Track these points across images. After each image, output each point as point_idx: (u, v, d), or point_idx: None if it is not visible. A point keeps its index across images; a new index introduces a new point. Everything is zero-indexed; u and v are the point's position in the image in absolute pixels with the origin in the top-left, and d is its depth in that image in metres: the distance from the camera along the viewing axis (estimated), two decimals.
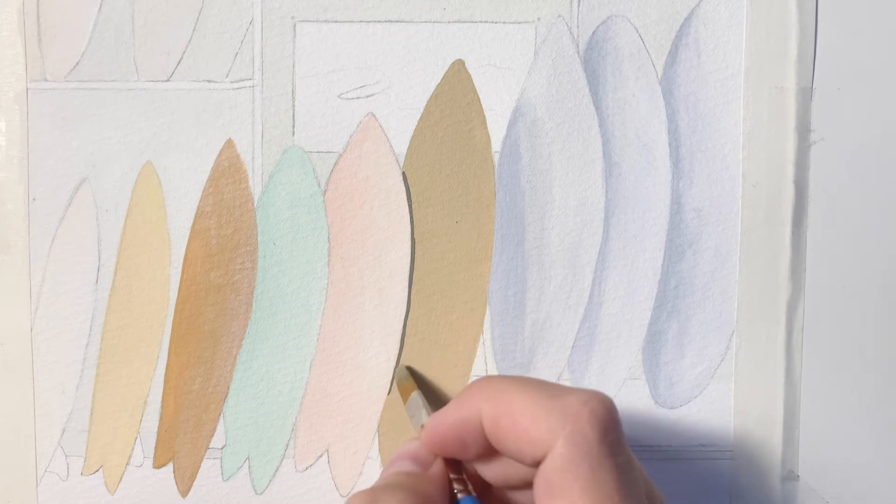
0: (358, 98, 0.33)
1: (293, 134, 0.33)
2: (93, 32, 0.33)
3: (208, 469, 0.33)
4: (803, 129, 0.33)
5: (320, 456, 0.33)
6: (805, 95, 0.33)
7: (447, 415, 0.27)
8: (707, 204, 0.33)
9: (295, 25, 0.33)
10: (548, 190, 0.33)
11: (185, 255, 0.33)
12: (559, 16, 0.33)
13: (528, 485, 0.26)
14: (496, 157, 0.33)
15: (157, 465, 0.33)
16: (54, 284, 0.33)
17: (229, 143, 0.33)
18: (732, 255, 0.33)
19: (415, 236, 0.33)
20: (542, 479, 0.24)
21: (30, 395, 0.33)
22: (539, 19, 0.33)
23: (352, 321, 0.33)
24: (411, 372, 0.33)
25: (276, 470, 0.33)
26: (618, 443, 0.24)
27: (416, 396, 0.31)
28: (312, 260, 0.33)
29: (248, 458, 0.33)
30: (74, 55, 0.33)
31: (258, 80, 0.33)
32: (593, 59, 0.33)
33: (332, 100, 0.33)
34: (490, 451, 0.27)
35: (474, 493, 0.27)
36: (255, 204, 0.33)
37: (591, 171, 0.33)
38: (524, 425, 0.25)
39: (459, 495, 0.27)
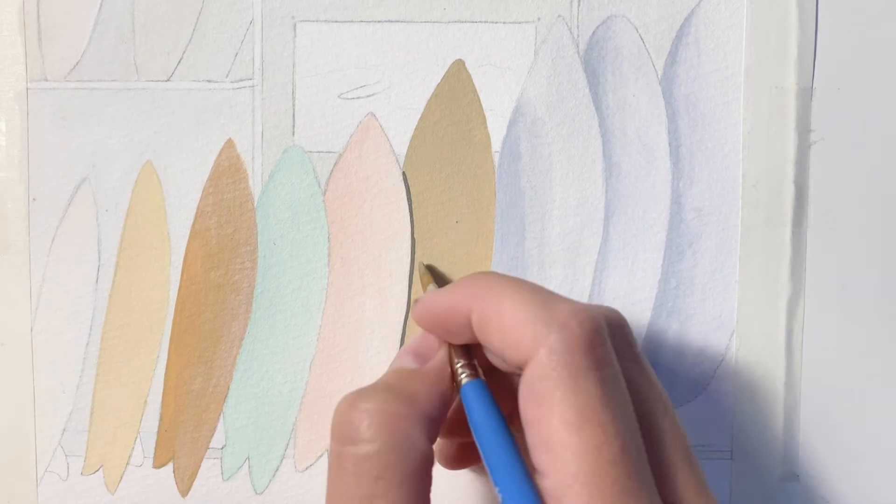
0: (358, 98, 0.33)
1: (293, 134, 0.33)
2: (93, 32, 0.33)
3: (208, 469, 0.33)
4: (803, 129, 0.33)
5: (320, 456, 0.33)
6: (805, 95, 0.33)
7: (439, 299, 0.27)
8: (707, 204, 0.33)
9: (295, 25, 0.33)
10: (548, 190, 0.33)
11: (185, 254, 0.33)
12: (559, 16, 0.33)
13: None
14: (496, 157, 0.33)
15: (157, 464, 0.33)
16: (54, 284, 0.33)
17: (229, 143, 0.33)
18: (732, 255, 0.33)
19: (415, 236, 0.33)
20: (524, 384, 0.24)
21: (30, 395, 0.33)
22: (539, 19, 0.33)
23: (352, 321, 0.33)
24: (430, 269, 0.33)
25: (276, 470, 0.33)
26: (605, 357, 0.24)
27: (431, 289, 0.31)
28: (312, 260, 0.33)
29: (248, 458, 0.33)
30: (74, 55, 0.33)
31: (258, 80, 0.33)
32: (593, 59, 0.33)
33: (332, 100, 0.33)
34: (476, 340, 0.26)
35: (482, 376, 0.26)
36: (255, 204, 0.33)
37: (591, 171, 0.33)
38: (509, 329, 0.24)
39: (465, 379, 0.26)
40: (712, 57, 0.33)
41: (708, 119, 0.33)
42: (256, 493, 0.33)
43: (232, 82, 0.33)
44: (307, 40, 0.33)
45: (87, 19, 0.33)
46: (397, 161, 0.33)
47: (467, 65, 0.33)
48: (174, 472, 0.33)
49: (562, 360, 0.23)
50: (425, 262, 0.33)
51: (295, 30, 0.33)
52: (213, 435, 0.33)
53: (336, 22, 0.33)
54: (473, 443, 0.25)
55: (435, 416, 0.25)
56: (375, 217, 0.33)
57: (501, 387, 0.26)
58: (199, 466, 0.33)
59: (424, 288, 0.32)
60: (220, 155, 0.33)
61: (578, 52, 0.33)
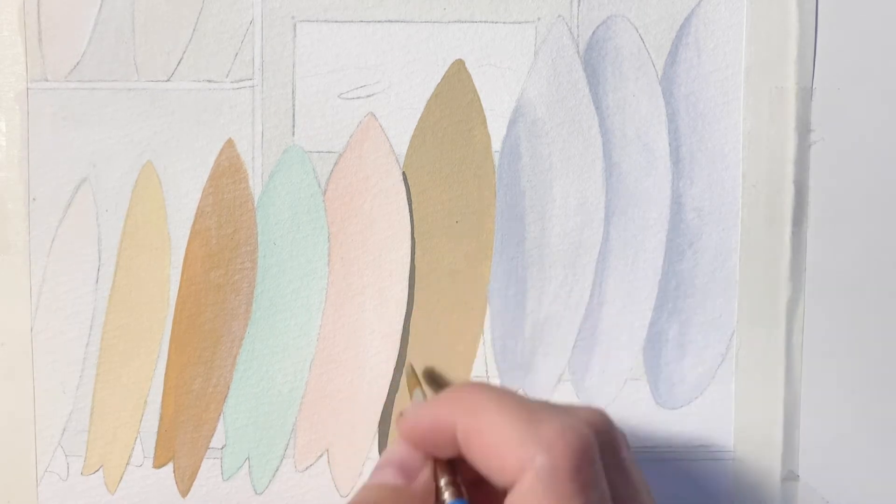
0: (358, 98, 0.33)
1: (293, 134, 0.33)
2: (93, 32, 0.33)
3: (208, 469, 0.33)
4: (803, 129, 0.33)
5: (320, 456, 0.33)
6: (805, 95, 0.33)
7: (424, 414, 0.26)
8: (707, 204, 0.33)
9: (295, 25, 0.33)
10: (548, 190, 0.33)
11: (185, 254, 0.33)
12: (559, 16, 0.33)
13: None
14: (496, 157, 0.33)
15: (157, 464, 0.33)
16: (54, 284, 0.33)
17: (229, 143, 0.33)
18: (732, 255, 0.33)
19: (415, 236, 0.33)
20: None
21: (30, 395, 0.33)
22: (539, 19, 0.33)
23: (352, 321, 0.33)
24: (416, 373, 0.33)
25: (276, 470, 0.33)
26: (592, 479, 0.23)
27: (418, 393, 0.31)
28: (312, 260, 0.33)
29: (248, 458, 0.33)
30: (75, 55, 0.33)
31: (258, 79, 0.33)
32: (593, 59, 0.33)
33: (332, 100, 0.33)
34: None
35: (465, 497, 0.26)
36: (255, 204, 0.33)
37: (591, 171, 0.33)
38: (493, 449, 0.24)
39: (448, 498, 0.26)
40: (712, 57, 0.33)
41: (708, 119, 0.33)
42: (256, 493, 0.33)
43: (232, 82, 0.33)
44: (307, 40, 0.33)
45: (87, 19, 0.33)
46: (397, 161, 0.33)
47: (467, 65, 0.33)
48: (174, 472, 0.33)
49: (547, 488, 0.23)
50: (413, 363, 0.33)
51: (295, 30, 0.33)
52: (213, 435, 0.33)
53: (336, 22, 0.33)
54: None
55: None
56: (375, 217, 0.33)
57: (487, 499, 0.26)
58: (199, 466, 0.33)
59: (410, 392, 0.31)
60: (220, 155, 0.33)
61: (578, 52, 0.33)
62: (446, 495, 0.26)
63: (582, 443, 0.23)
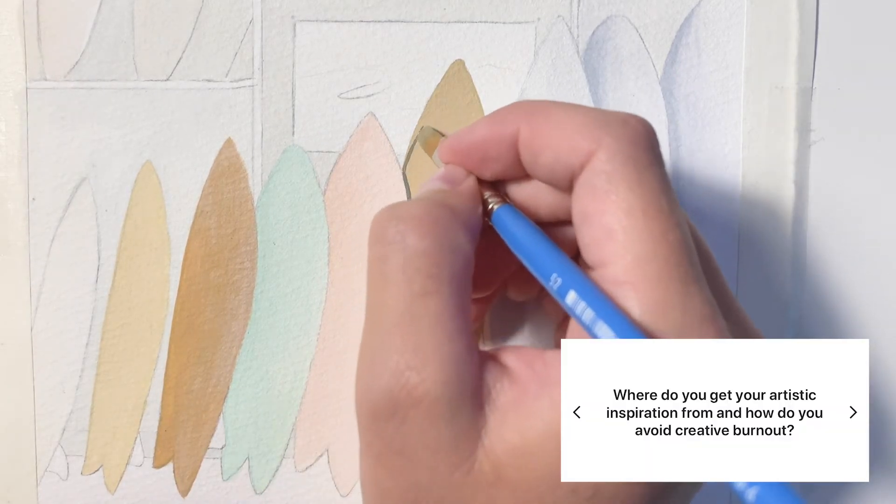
0: (358, 98, 0.33)
1: (293, 134, 0.33)
2: (92, 32, 0.33)
3: (208, 469, 0.33)
4: (803, 129, 0.33)
5: (320, 456, 0.33)
6: (805, 95, 0.33)
7: (476, 129, 0.26)
8: (707, 204, 0.33)
9: (295, 25, 0.33)
10: None
11: (185, 254, 0.33)
12: (559, 16, 0.33)
13: (554, 215, 0.26)
14: None
15: (157, 464, 0.33)
16: (54, 284, 0.33)
17: (229, 143, 0.33)
18: (732, 255, 0.33)
19: None
20: (582, 183, 0.24)
21: (30, 395, 0.33)
22: (539, 19, 0.33)
23: (352, 321, 0.33)
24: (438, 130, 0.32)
25: (276, 470, 0.33)
26: (660, 158, 0.24)
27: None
28: (312, 260, 0.33)
29: (248, 458, 0.33)
30: (74, 54, 0.33)
31: (258, 79, 0.33)
32: (593, 59, 0.33)
33: (332, 99, 0.33)
34: (510, 174, 0.26)
35: (510, 202, 0.26)
36: (255, 204, 0.33)
37: None
38: (566, 135, 0.24)
39: (494, 206, 0.26)
40: (712, 57, 0.33)
41: (708, 119, 0.33)
42: (256, 493, 0.33)
43: (231, 82, 0.33)
44: (307, 40, 0.33)
45: (87, 19, 0.33)
46: (397, 161, 0.33)
47: (467, 65, 0.33)
48: (174, 472, 0.33)
49: (627, 154, 0.23)
50: (430, 126, 0.32)
51: (295, 30, 0.33)
52: (212, 435, 0.33)
53: (336, 22, 0.33)
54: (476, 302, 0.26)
55: (473, 229, 0.25)
56: None
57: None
58: (199, 466, 0.33)
59: (430, 151, 0.30)
60: (219, 155, 0.33)
61: (578, 52, 0.33)
62: (492, 204, 0.26)
63: (649, 125, 0.24)
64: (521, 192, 0.27)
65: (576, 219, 0.24)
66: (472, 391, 0.23)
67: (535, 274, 0.24)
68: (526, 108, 0.25)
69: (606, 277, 0.23)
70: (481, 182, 0.27)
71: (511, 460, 0.22)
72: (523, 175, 0.26)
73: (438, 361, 0.23)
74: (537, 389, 0.23)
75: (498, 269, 0.29)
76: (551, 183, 0.25)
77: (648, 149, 0.23)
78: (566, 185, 0.25)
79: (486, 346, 0.32)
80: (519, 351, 0.24)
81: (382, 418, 0.23)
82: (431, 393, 0.22)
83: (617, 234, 0.22)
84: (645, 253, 0.22)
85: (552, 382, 0.22)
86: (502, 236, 0.26)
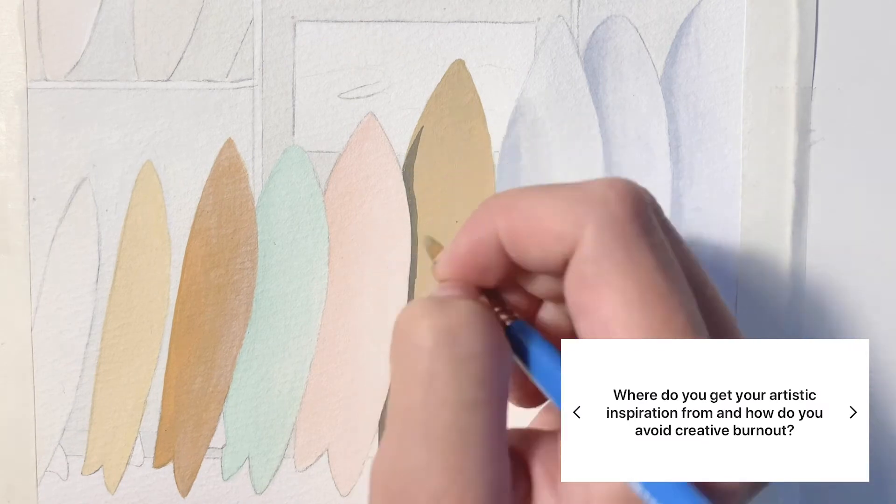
0: (358, 98, 0.33)
1: (293, 134, 0.33)
2: (93, 32, 0.33)
3: (208, 469, 0.33)
4: (803, 129, 0.33)
5: (320, 456, 0.33)
6: (805, 95, 0.33)
7: (459, 242, 0.24)
8: (707, 203, 0.33)
9: (295, 25, 0.33)
10: None
11: (185, 254, 0.33)
12: (559, 16, 0.33)
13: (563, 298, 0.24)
14: (496, 157, 0.33)
15: (157, 464, 0.33)
16: (54, 284, 0.33)
17: (229, 143, 0.33)
18: (732, 255, 0.33)
19: (415, 236, 0.33)
20: (572, 274, 0.22)
21: (30, 395, 0.33)
22: (539, 19, 0.33)
23: (352, 321, 0.33)
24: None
25: (276, 470, 0.33)
26: (650, 223, 0.22)
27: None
28: (312, 260, 0.33)
29: (248, 457, 0.33)
30: (74, 54, 0.33)
31: (258, 79, 0.33)
32: (593, 59, 0.33)
33: (332, 99, 0.33)
34: (513, 272, 0.24)
35: (519, 317, 0.24)
36: (255, 204, 0.33)
37: (591, 171, 0.33)
38: (546, 224, 0.22)
39: (507, 322, 0.24)
40: (712, 57, 0.33)
41: (708, 119, 0.33)
42: (256, 493, 0.33)
43: (232, 82, 0.33)
44: (307, 40, 0.33)
45: (87, 19, 0.33)
46: (397, 161, 0.33)
47: (467, 65, 0.33)
48: (174, 471, 0.33)
49: (613, 234, 0.21)
50: (429, 235, 0.32)
51: (295, 30, 0.33)
52: (213, 435, 0.33)
53: (336, 22, 0.33)
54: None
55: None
56: (375, 217, 0.33)
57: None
58: (199, 466, 0.33)
59: (433, 258, 0.30)
60: (220, 155, 0.33)
61: (578, 52, 0.33)
62: (503, 319, 0.24)
63: (633, 189, 0.22)
64: (536, 285, 0.25)
65: (571, 310, 0.22)
66: None
67: (551, 399, 0.23)
68: (501, 205, 0.23)
69: None
70: (489, 294, 0.25)
71: None
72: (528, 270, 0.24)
73: (481, 486, 0.21)
74: None
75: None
76: (550, 273, 0.24)
77: (634, 219, 0.22)
78: (561, 270, 0.23)
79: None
80: (546, 461, 0.23)
81: None
82: None
83: (616, 330, 0.21)
84: None
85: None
86: (517, 356, 0.24)
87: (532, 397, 0.26)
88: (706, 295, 0.24)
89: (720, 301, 0.24)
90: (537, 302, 0.26)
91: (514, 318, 0.24)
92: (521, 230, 0.23)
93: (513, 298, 0.26)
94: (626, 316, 0.21)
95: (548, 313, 0.26)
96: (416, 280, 0.33)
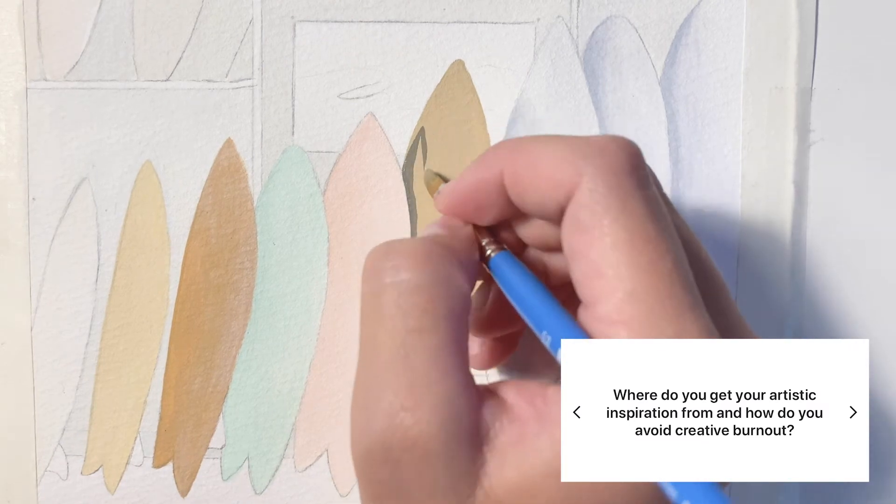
0: (358, 98, 0.33)
1: (293, 134, 0.33)
2: (92, 32, 0.33)
3: (208, 469, 0.33)
4: (803, 129, 0.33)
5: (320, 456, 0.33)
6: (805, 95, 0.33)
7: (464, 178, 0.26)
8: (707, 203, 0.33)
9: (295, 25, 0.33)
10: None
11: (185, 254, 0.33)
12: (559, 16, 0.33)
13: (558, 247, 0.25)
14: None
15: (157, 464, 0.33)
16: (54, 284, 0.33)
17: (229, 143, 0.33)
18: (732, 255, 0.33)
19: (415, 236, 0.33)
20: (569, 219, 0.23)
21: (30, 395, 0.33)
22: (539, 19, 0.33)
23: (352, 321, 0.33)
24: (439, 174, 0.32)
25: (276, 470, 0.33)
26: (647, 178, 0.23)
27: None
28: (312, 260, 0.33)
29: (247, 457, 0.33)
30: (74, 55, 0.33)
31: (258, 79, 0.33)
32: (593, 60, 0.33)
33: (332, 100, 0.33)
34: (509, 214, 0.26)
35: (506, 248, 0.26)
36: (255, 204, 0.33)
37: None
38: (548, 170, 0.23)
39: (492, 253, 0.26)
40: (712, 57, 0.33)
41: (708, 119, 0.33)
42: (256, 493, 0.33)
43: (231, 82, 0.33)
44: (307, 40, 0.33)
45: (87, 19, 0.33)
46: (397, 161, 0.33)
47: (467, 65, 0.33)
48: (174, 471, 0.33)
49: (608, 183, 0.22)
50: (431, 168, 0.32)
51: (294, 30, 0.33)
52: (212, 435, 0.33)
53: (336, 22, 0.33)
54: (502, 340, 0.26)
55: (470, 270, 0.25)
56: (375, 217, 0.33)
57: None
58: (199, 466, 0.33)
59: (433, 193, 0.30)
60: (219, 155, 0.33)
61: (578, 53, 0.33)
62: (489, 251, 0.26)
63: (631, 146, 0.23)
64: (528, 230, 0.26)
65: (566, 255, 0.23)
66: (469, 431, 0.22)
67: (529, 325, 0.24)
68: (508, 148, 0.25)
69: (599, 316, 0.22)
70: (481, 228, 0.26)
71: (512, 500, 0.22)
72: (525, 213, 0.26)
73: (433, 400, 0.22)
74: (537, 428, 0.22)
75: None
76: (546, 219, 0.25)
77: (631, 173, 0.23)
78: (558, 216, 0.24)
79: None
80: (520, 386, 0.23)
81: (377, 462, 0.22)
82: (426, 434, 0.22)
83: (604, 270, 0.22)
84: (635, 288, 0.22)
85: (552, 420, 0.22)
86: (499, 284, 0.25)
87: (507, 322, 0.28)
88: (699, 256, 0.25)
89: (713, 264, 0.25)
90: (522, 247, 0.27)
91: (502, 248, 0.26)
92: (524, 174, 0.24)
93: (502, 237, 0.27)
94: (615, 257, 0.22)
95: (528, 258, 0.27)
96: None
